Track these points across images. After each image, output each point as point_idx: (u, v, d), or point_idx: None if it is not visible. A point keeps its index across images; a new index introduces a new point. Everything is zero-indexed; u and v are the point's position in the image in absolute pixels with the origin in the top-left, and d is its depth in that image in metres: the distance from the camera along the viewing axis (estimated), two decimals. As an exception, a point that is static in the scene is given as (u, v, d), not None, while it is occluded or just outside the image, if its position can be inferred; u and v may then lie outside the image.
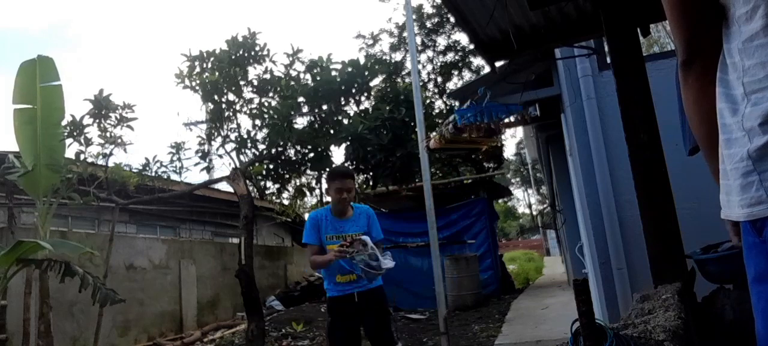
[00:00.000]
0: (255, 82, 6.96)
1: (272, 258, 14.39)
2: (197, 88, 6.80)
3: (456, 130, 4.60)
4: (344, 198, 3.61)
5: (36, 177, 6.11)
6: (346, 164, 7.41)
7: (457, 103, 5.21)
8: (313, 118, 6.97)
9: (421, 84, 8.02)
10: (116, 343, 8.75)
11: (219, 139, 6.95)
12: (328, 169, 4.37)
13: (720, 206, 0.98)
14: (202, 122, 7.05)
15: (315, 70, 6.84)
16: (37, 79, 6.19)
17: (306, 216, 14.20)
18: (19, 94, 6.18)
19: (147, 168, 6.99)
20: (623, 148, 2.67)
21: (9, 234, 7.20)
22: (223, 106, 6.86)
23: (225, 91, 6.82)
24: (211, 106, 6.83)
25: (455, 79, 18.84)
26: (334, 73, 6.78)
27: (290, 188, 7.57)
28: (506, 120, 4.85)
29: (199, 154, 6.98)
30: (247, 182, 6.70)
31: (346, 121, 6.79)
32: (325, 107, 6.89)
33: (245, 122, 7.69)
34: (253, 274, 6.20)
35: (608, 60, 4.07)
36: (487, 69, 5.22)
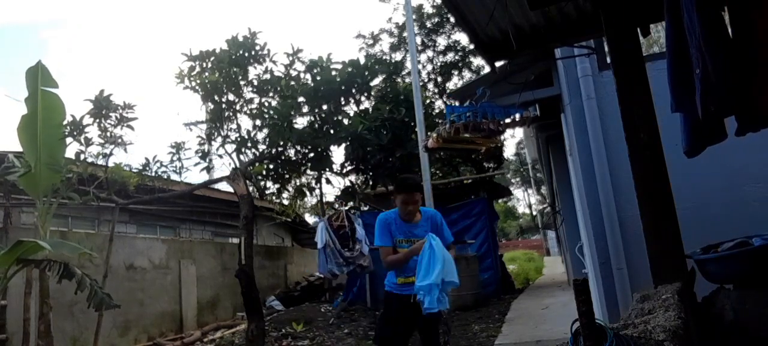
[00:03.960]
0: (255, 82, 6.96)
1: (272, 258, 14.40)
2: (197, 88, 6.82)
3: (454, 129, 4.59)
4: (410, 210, 3.69)
5: (36, 177, 6.13)
6: (345, 164, 7.39)
7: (456, 103, 5.20)
8: (313, 118, 6.98)
9: (421, 84, 8.03)
10: (116, 343, 8.75)
11: (219, 140, 6.97)
12: (398, 179, 4.40)
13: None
14: (202, 122, 7.06)
15: (315, 70, 6.84)
16: (39, 83, 6.23)
17: (306, 216, 14.10)
18: (26, 98, 6.28)
19: (147, 168, 6.99)
20: (623, 148, 2.67)
21: (4, 234, 7.20)
22: (223, 106, 6.86)
23: (225, 91, 6.83)
24: (211, 106, 6.84)
25: (455, 79, 18.80)
26: (334, 73, 6.79)
27: (290, 188, 7.58)
28: (507, 120, 4.84)
29: (199, 154, 6.99)
30: (247, 181, 6.71)
31: (346, 121, 6.79)
32: (325, 107, 6.89)
33: (245, 122, 7.71)
34: (253, 274, 6.20)
35: (608, 60, 4.07)
36: (487, 69, 5.22)
